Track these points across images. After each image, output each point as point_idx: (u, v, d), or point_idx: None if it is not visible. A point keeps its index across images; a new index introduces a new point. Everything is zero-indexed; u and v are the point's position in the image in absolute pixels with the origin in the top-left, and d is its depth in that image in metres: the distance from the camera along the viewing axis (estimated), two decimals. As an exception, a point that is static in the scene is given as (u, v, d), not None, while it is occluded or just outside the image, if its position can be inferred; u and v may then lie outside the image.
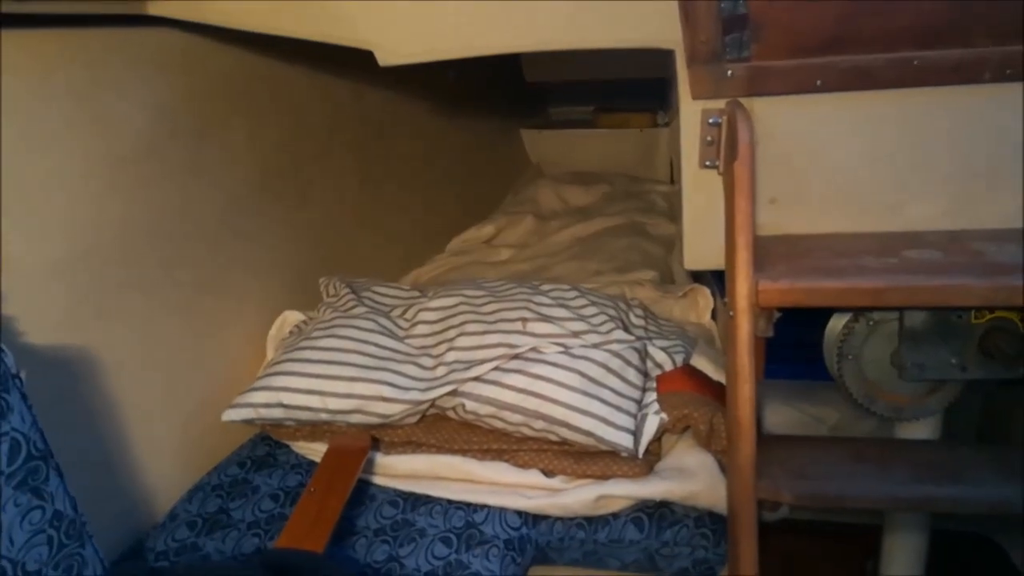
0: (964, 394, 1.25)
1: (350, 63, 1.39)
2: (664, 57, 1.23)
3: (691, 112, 1.22)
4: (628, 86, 3.30)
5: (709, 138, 1.22)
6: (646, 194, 3.08)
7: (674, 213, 2.70)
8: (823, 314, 1.27)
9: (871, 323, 1.22)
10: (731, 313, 1.11)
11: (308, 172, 2.10)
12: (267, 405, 1.50)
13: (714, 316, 1.87)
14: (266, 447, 1.60)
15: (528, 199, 3.15)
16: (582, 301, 1.63)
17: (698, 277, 2.03)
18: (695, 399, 1.44)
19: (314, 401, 1.48)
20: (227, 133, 1.76)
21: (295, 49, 1.44)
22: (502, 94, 3.56)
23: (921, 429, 1.30)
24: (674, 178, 3.08)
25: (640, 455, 1.39)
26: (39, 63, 1.30)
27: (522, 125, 3.74)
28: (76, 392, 1.36)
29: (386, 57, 1.32)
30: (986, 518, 1.55)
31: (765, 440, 1.27)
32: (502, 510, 1.39)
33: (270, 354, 1.76)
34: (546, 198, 3.13)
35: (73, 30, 1.36)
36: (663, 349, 1.57)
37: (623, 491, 1.37)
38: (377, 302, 1.76)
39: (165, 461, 1.51)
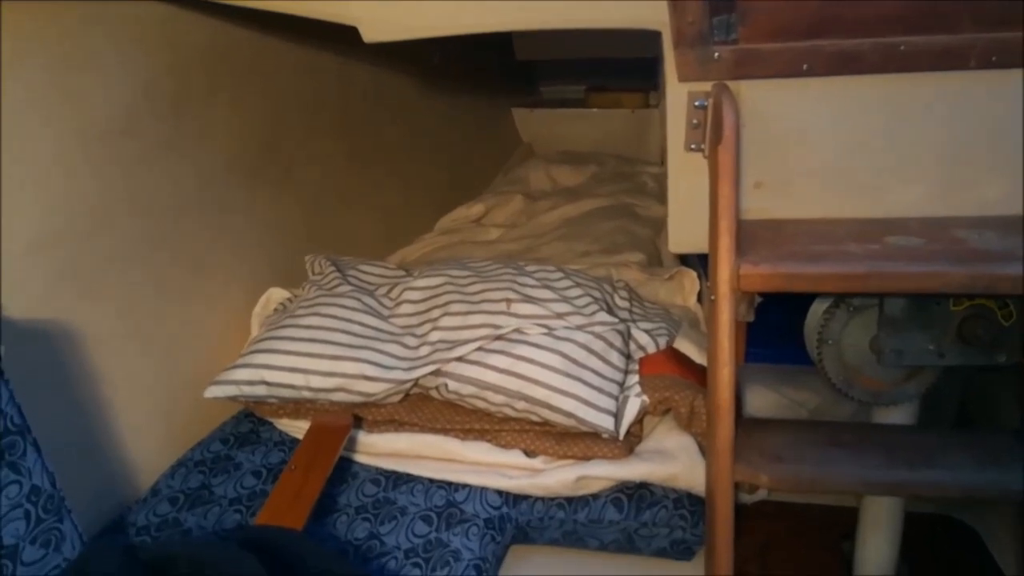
0: (942, 380, 1.25)
1: (336, 37, 1.37)
2: (654, 37, 1.21)
3: (677, 94, 1.21)
4: (621, 65, 3.27)
5: (695, 121, 1.21)
6: (636, 175, 3.07)
7: (664, 195, 2.69)
8: (807, 299, 1.27)
9: (851, 309, 1.22)
10: (713, 297, 1.11)
11: (293, 148, 2.08)
12: (250, 382, 1.50)
13: (700, 299, 1.88)
14: (249, 424, 1.61)
15: (518, 179, 3.14)
16: (567, 282, 1.63)
17: (685, 260, 2.04)
18: (677, 382, 1.45)
19: (297, 379, 1.48)
20: (208, 107, 1.73)
21: (279, 22, 1.42)
22: (493, 71, 3.53)
23: (899, 414, 1.31)
24: (663, 159, 3.06)
25: (621, 437, 1.40)
26: (13, 36, 1.27)
27: (513, 103, 3.71)
28: (57, 367, 1.35)
29: (371, 34, 1.30)
30: (960, 502, 1.58)
31: (745, 423, 1.28)
32: (483, 489, 1.40)
33: (255, 331, 1.75)
34: (536, 178, 3.12)
35: (50, 2, 1.34)
36: (647, 331, 1.57)
37: (603, 472, 1.38)
38: (362, 280, 1.76)
39: (148, 436, 1.51)
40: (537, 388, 1.38)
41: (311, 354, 1.49)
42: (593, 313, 1.53)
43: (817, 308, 1.25)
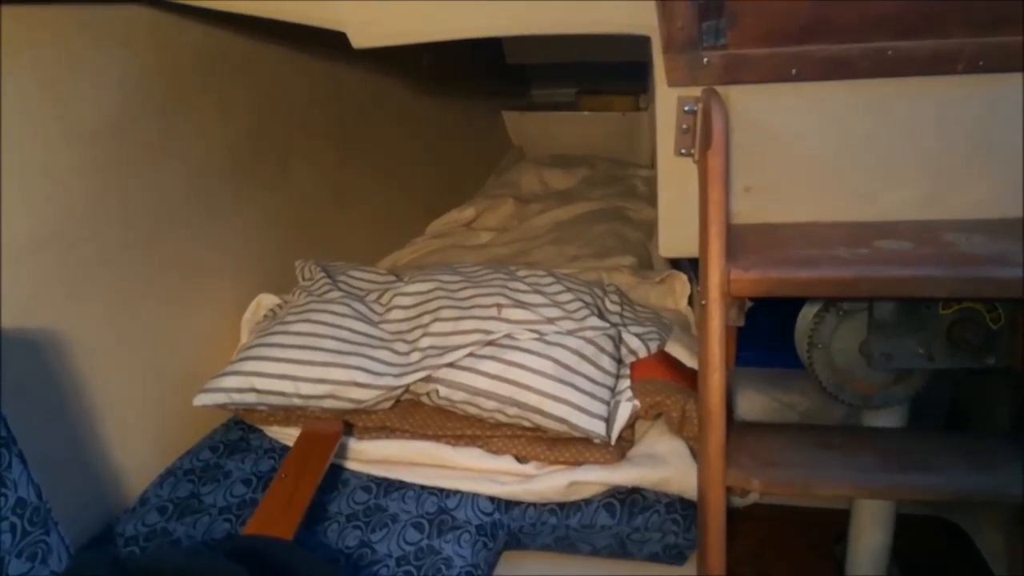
0: (932, 383, 1.26)
1: (326, 41, 1.37)
2: (644, 41, 1.21)
3: (667, 99, 1.21)
4: (612, 68, 3.28)
5: (684, 126, 1.21)
6: (628, 178, 3.07)
7: (655, 198, 2.69)
8: (797, 302, 1.28)
9: (841, 313, 1.23)
10: (703, 302, 1.11)
11: (284, 152, 2.07)
12: (239, 390, 1.48)
13: (691, 302, 1.88)
14: (239, 431, 1.60)
15: (509, 182, 3.14)
16: (558, 287, 1.62)
17: (676, 263, 2.03)
18: (668, 386, 1.45)
19: (287, 386, 1.47)
20: (197, 111, 1.72)
21: (269, 26, 1.41)
22: (484, 74, 3.53)
23: (889, 417, 1.31)
24: (653, 162, 3.07)
25: (613, 442, 1.39)
26: (3, 41, 1.26)
27: (504, 106, 3.71)
28: (43, 375, 1.34)
29: (359, 39, 1.30)
30: (952, 504, 1.58)
31: (736, 427, 1.28)
32: (474, 496, 1.39)
33: (244, 337, 1.75)
34: (527, 181, 3.12)
35: (38, 7, 1.33)
36: (637, 336, 1.57)
37: (595, 477, 1.38)
38: (352, 286, 1.75)
39: (137, 445, 1.50)
40: (529, 394, 1.38)
41: (301, 361, 1.48)
42: (584, 318, 1.53)
43: (807, 312, 1.25)
